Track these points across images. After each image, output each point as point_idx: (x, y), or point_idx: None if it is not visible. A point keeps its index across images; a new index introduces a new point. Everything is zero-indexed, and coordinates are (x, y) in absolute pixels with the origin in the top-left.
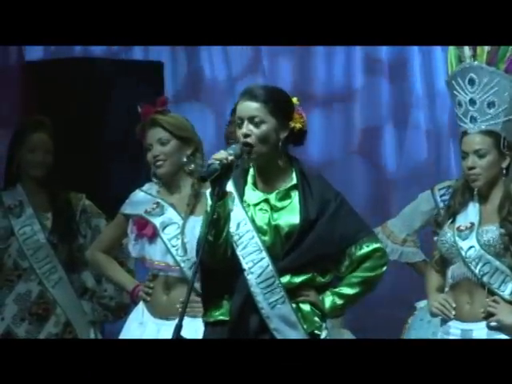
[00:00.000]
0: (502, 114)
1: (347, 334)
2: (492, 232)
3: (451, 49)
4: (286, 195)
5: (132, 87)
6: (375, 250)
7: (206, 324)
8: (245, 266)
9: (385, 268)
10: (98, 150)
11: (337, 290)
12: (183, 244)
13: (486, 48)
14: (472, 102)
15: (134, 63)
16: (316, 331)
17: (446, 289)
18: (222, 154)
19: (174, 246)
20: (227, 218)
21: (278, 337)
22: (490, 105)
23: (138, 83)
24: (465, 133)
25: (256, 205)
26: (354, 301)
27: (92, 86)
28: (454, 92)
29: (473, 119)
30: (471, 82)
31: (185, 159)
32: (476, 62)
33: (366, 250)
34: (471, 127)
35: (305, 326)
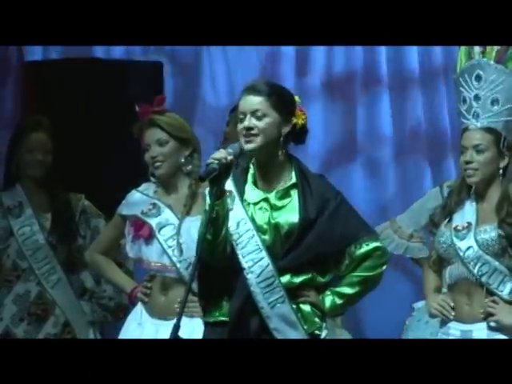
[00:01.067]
0: (505, 113)
1: (346, 335)
2: (490, 232)
3: (462, 47)
4: (285, 194)
5: (132, 87)
6: (375, 249)
7: (206, 324)
8: (244, 265)
9: (385, 267)
10: (98, 151)
11: (337, 289)
12: (179, 245)
13: (496, 46)
14: (476, 98)
15: (133, 63)
16: (316, 331)
17: (444, 289)
18: (221, 154)
19: (170, 247)
20: (226, 217)
21: (278, 337)
22: (494, 102)
23: (137, 83)
24: (466, 129)
25: (256, 204)
26: (354, 300)
27: (92, 86)
28: (460, 89)
29: (475, 115)
30: (478, 78)
31: (183, 160)
32: (484, 59)
33: (366, 248)
34: (473, 123)
35: (305, 327)
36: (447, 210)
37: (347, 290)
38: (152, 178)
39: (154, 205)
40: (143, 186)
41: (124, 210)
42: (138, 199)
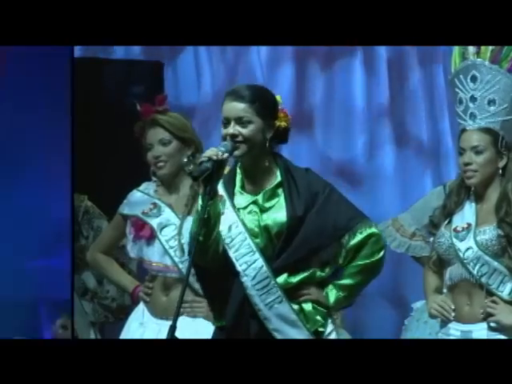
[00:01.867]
0: (502, 113)
1: (345, 335)
2: (489, 232)
3: (455, 47)
4: (272, 194)
5: (132, 87)
6: (369, 236)
7: (216, 328)
8: (239, 268)
9: (382, 252)
10: (99, 150)
11: (339, 282)
12: (180, 245)
13: (490, 46)
14: (473, 98)
15: (134, 63)
16: (320, 329)
17: (444, 290)
18: (212, 151)
19: (171, 248)
20: (218, 218)
21: (279, 337)
22: (491, 102)
23: (138, 83)
24: (463, 130)
25: (245, 208)
26: (358, 290)
27: (92, 86)
28: (456, 90)
29: (472, 116)
30: (473, 78)
31: (185, 160)
32: (479, 59)
33: (360, 237)
34: (470, 124)
35: (308, 326)
36: (447, 211)
37: (349, 281)
38: (153, 178)
39: (155, 204)
40: (144, 186)
41: (125, 209)
42: (138, 198)
